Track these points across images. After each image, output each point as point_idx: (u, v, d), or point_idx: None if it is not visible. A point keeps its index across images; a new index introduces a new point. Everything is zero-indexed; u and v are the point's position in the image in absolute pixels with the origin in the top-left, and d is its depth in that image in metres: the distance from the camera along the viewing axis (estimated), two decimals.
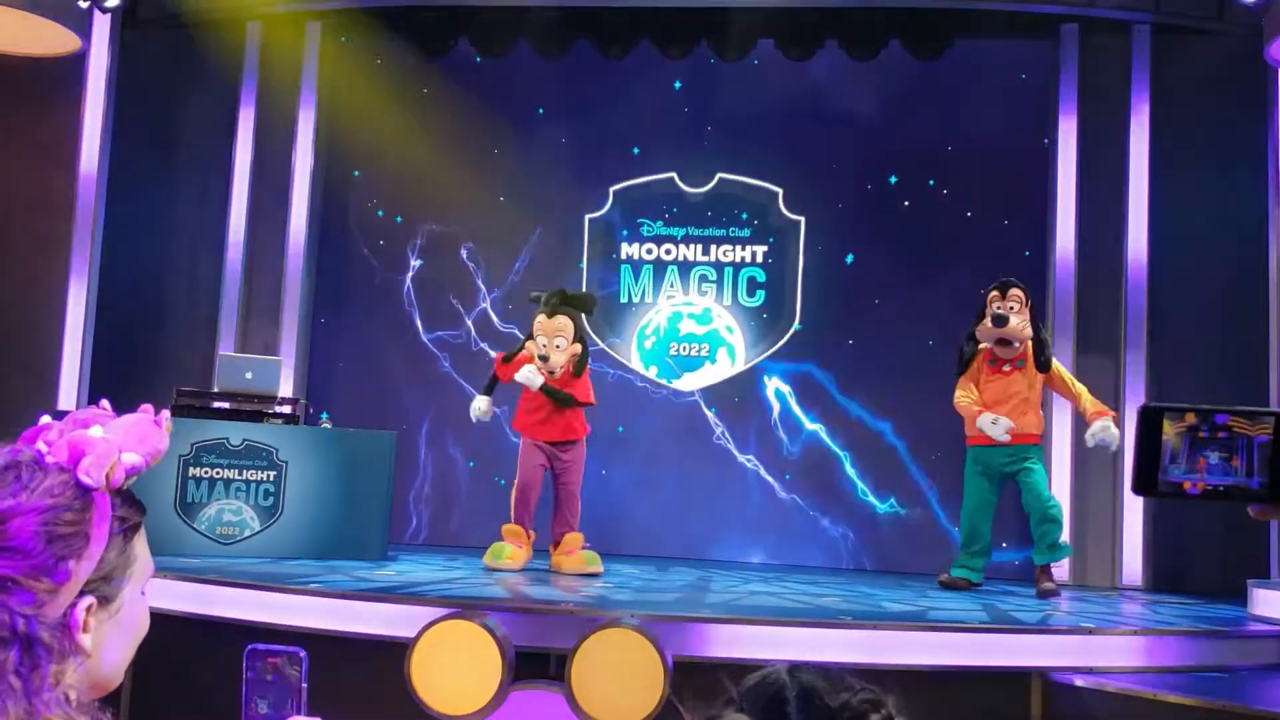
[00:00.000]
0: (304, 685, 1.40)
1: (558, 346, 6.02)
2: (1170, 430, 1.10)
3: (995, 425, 5.79)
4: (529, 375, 6.01)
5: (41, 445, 1.09)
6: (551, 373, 6.03)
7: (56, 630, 1.03)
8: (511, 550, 5.95)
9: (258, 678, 1.39)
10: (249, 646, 1.39)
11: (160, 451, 1.14)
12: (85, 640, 1.06)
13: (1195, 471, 1.10)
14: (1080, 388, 6.01)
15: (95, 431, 1.10)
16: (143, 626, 1.17)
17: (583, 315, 6.31)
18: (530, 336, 6.17)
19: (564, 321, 6.07)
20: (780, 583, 6.05)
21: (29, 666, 0.99)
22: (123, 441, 1.11)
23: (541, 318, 6.10)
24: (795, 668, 1.10)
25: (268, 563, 5.60)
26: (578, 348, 6.13)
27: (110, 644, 1.11)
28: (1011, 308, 5.93)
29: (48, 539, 1.03)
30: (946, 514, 7.37)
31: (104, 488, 1.09)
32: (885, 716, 1.05)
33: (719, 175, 8.00)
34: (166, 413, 1.18)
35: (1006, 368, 6.05)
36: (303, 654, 1.40)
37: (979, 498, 6.03)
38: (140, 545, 1.15)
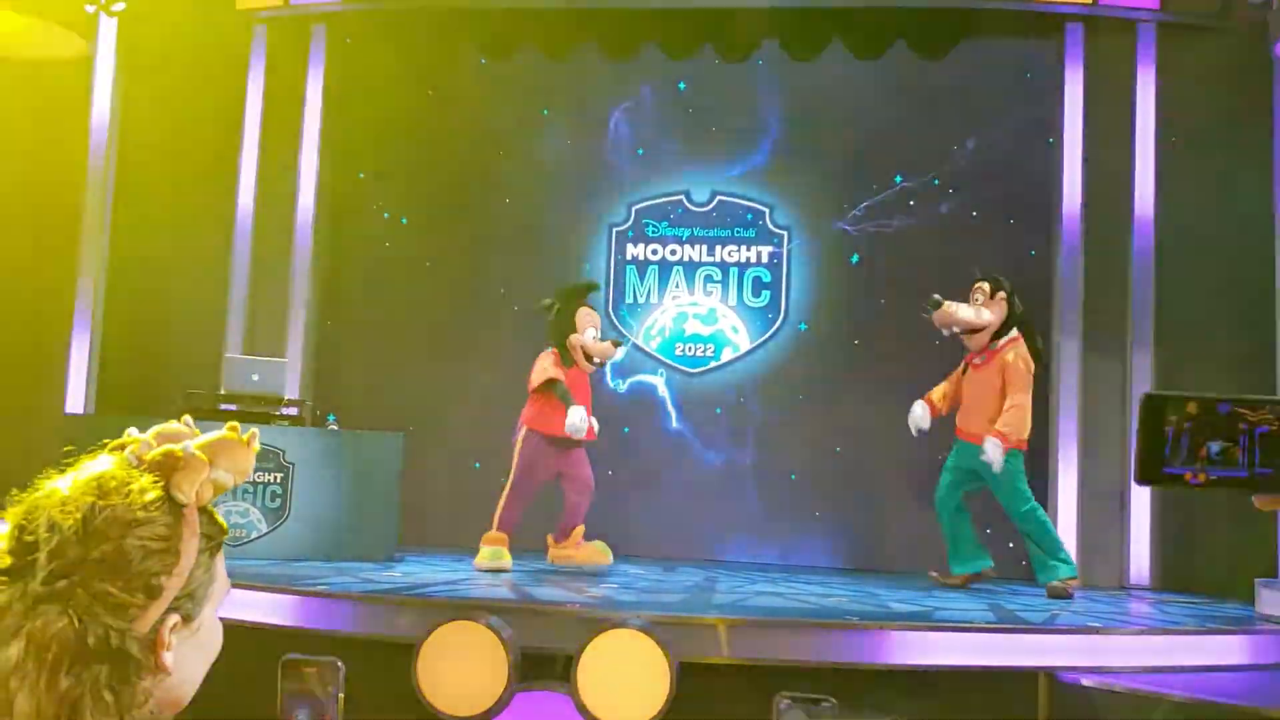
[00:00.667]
0: (339, 695, 1.41)
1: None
2: (1173, 420, 1.09)
3: (911, 416, 6.13)
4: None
5: (131, 457, 1.09)
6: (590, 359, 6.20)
7: (146, 647, 1.04)
8: (500, 551, 6.01)
9: (295, 687, 1.40)
10: (285, 657, 1.40)
11: (247, 471, 1.15)
12: (169, 658, 1.06)
13: (1198, 461, 1.10)
14: (1014, 399, 5.86)
15: (187, 448, 1.10)
16: (217, 646, 1.16)
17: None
18: (563, 337, 6.16)
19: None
20: (787, 583, 6.05)
21: (121, 681, 1.00)
22: (213, 459, 1.12)
23: (585, 311, 6.18)
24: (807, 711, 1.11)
25: (275, 564, 5.62)
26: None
27: (189, 663, 1.11)
28: (976, 299, 6.03)
29: (144, 554, 1.03)
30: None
31: (194, 504, 1.09)
32: None
33: (725, 182, 8.00)
34: (255, 431, 1.18)
35: (978, 361, 6.06)
36: (339, 664, 1.41)
37: (942, 490, 6.17)
38: (221, 564, 1.15)
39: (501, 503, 6.12)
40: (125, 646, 1.01)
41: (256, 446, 1.17)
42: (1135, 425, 1.11)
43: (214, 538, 1.13)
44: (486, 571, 5.90)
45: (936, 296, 6.01)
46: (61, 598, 0.99)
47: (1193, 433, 1.09)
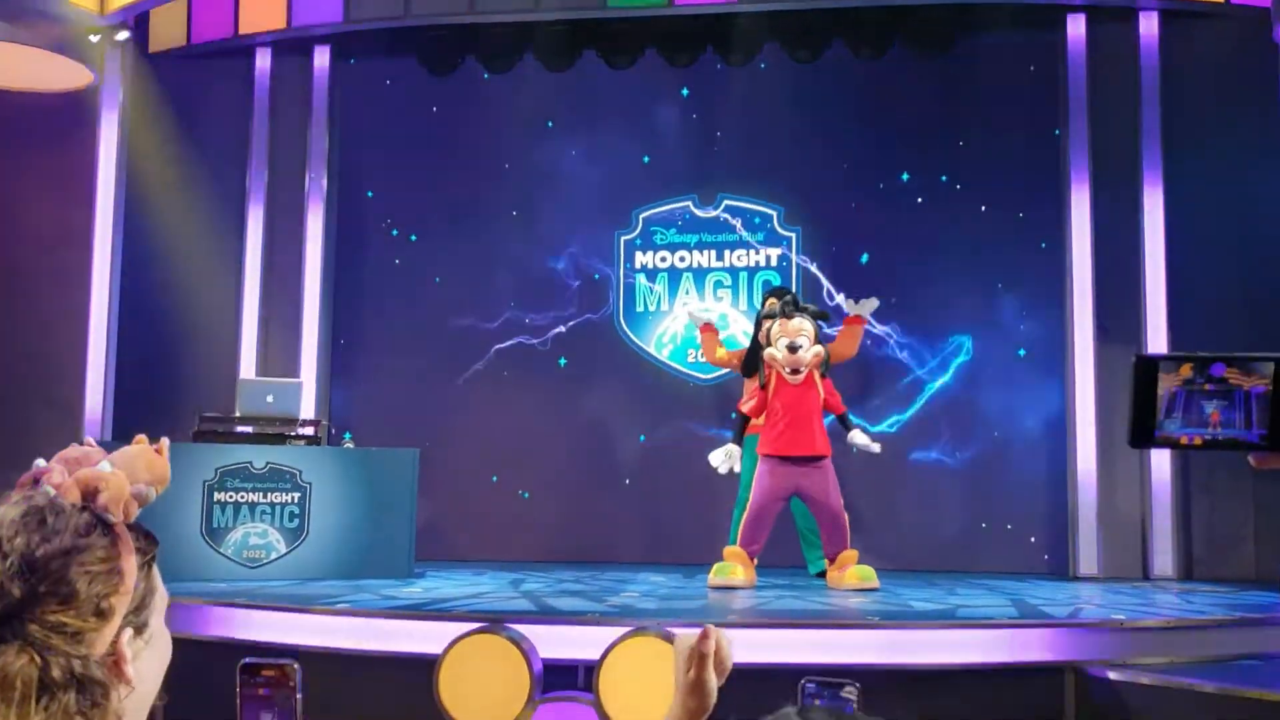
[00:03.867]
0: (299, 695, 1.42)
1: (802, 345, 5.79)
2: (1166, 381, 1.07)
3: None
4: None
5: (49, 488, 1.09)
6: (797, 370, 5.79)
7: (107, 667, 1.04)
8: (735, 568, 5.76)
9: (255, 692, 1.41)
10: (243, 661, 1.41)
11: (166, 479, 1.16)
12: (130, 670, 1.07)
13: (1192, 424, 1.07)
14: None
15: (105, 467, 1.11)
16: (168, 652, 1.19)
17: (816, 322, 6.02)
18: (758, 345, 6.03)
19: (803, 323, 5.87)
20: (807, 585, 6.02)
21: (91, 705, 1.01)
22: (131, 474, 1.12)
23: (778, 323, 5.89)
24: (805, 709, 1.08)
25: (295, 584, 5.62)
26: (821, 349, 5.91)
27: (147, 673, 1.13)
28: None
29: (89, 580, 1.04)
30: (974, 508, 7.36)
31: (123, 522, 1.10)
32: None
33: (732, 187, 8.00)
34: (165, 441, 1.19)
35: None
36: (296, 665, 1.42)
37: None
38: (157, 575, 1.17)
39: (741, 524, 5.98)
40: (88, 671, 1.01)
41: (167, 453, 1.18)
42: (1130, 387, 1.09)
43: (148, 551, 1.14)
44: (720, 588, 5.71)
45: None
46: (17, 635, 0.99)
47: (1186, 394, 1.07)
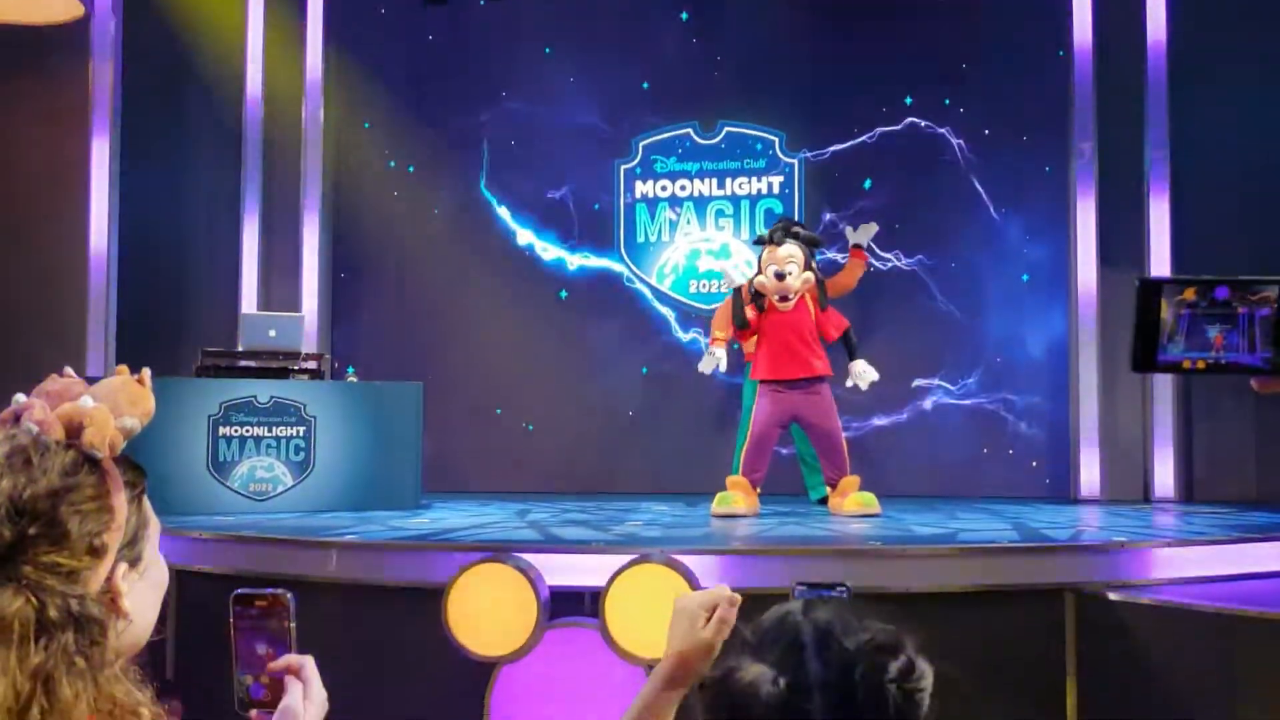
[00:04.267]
0: (293, 624, 1.41)
1: (789, 273, 5.67)
2: (1169, 305, 1.06)
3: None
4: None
5: (31, 425, 1.07)
6: (785, 298, 5.69)
7: (103, 603, 1.04)
8: (737, 497, 5.72)
9: (250, 623, 1.41)
10: (235, 592, 1.41)
11: (150, 411, 1.15)
12: (127, 605, 1.08)
13: (1195, 347, 1.07)
14: None
15: (87, 401, 1.09)
16: (165, 581, 1.19)
17: (808, 248, 5.89)
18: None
19: (793, 250, 5.72)
20: (810, 511, 6.07)
21: (90, 644, 1.00)
22: (114, 407, 1.11)
23: (767, 250, 5.79)
24: (810, 604, 1.09)
25: (303, 516, 5.67)
26: (811, 275, 5.77)
27: (144, 604, 1.13)
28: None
29: (80, 519, 1.03)
30: (976, 433, 7.38)
31: (109, 456, 1.09)
32: (905, 664, 1.04)
33: (731, 115, 7.90)
34: (147, 371, 1.18)
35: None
36: (290, 594, 1.42)
37: None
38: (148, 506, 1.16)
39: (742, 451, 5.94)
40: (85, 610, 1.01)
41: (149, 383, 1.16)
42: (1134, 310, 1.08)
43: (137, 484, 1.13)
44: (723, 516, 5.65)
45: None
46: (11, 578, 0.99)
47: (1190, 318, 1.06)
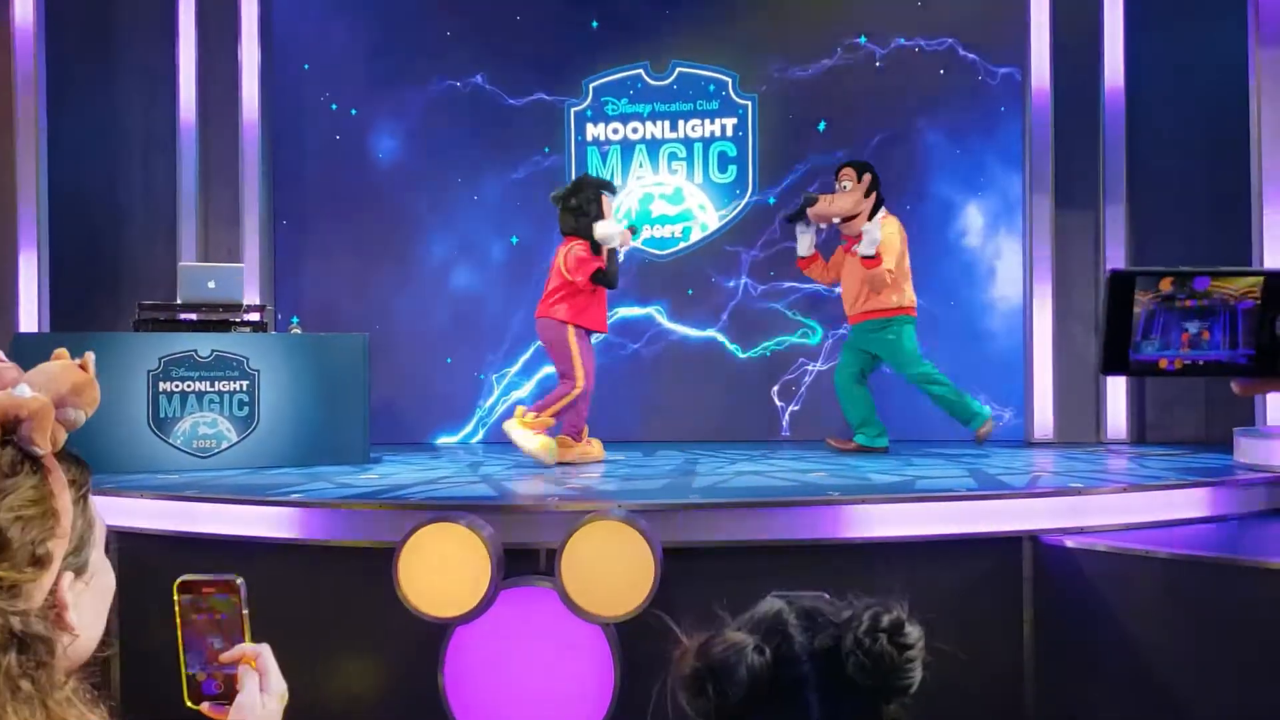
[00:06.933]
0: (246, 611, 1.31)
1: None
2: (1143, 299, 0.95)
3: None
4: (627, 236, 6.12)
5: None
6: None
7: (49, 619, 0.93)
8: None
9: (198, 613, 1.30)
10: (181, 579, 1.30)
11: (96, 400, 1.01)
12: (73, 618, 0.97)
13: (1171, 346, 0.96)
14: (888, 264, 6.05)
15: (23, 390, 0.96)
16: (111, 586, 1.07)
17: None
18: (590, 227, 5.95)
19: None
20: (766, 460, 6.03)
21: (36, 665, 0.89)
22: (54, 395, 0.98)
23: (608, 200, 6.04)
24: (790, 599, 1.04)
25: (248, 473, 5.54)
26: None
27: (90, 615, 1.02)
28: (844, 187, 6.18)
29: (21, 525, 0.91)
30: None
31: (52, 453, 0.96)
32: (895, 619, 0.99)
33: (683, 55, 7.72)
34: (90, 355, 1.04)
35: (857, 248, 6.13)
36: (240, 580, 1.31)
37: (844, 370, 6.36)
38: (93, 506, 1.04)
39: (563, 404, 5.90)
40: (29, 628, 0.89)
41: (93, 370, 1.03)
42: (1102, 306, 0.96)
43: (82, 482, 1.01)
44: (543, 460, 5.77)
45: (810, 193, 6.31)
46: None
47: (1166, 312, 0.95)
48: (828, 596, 1.24)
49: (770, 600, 1.05)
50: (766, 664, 0.97)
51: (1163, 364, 0.96)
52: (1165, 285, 0.94)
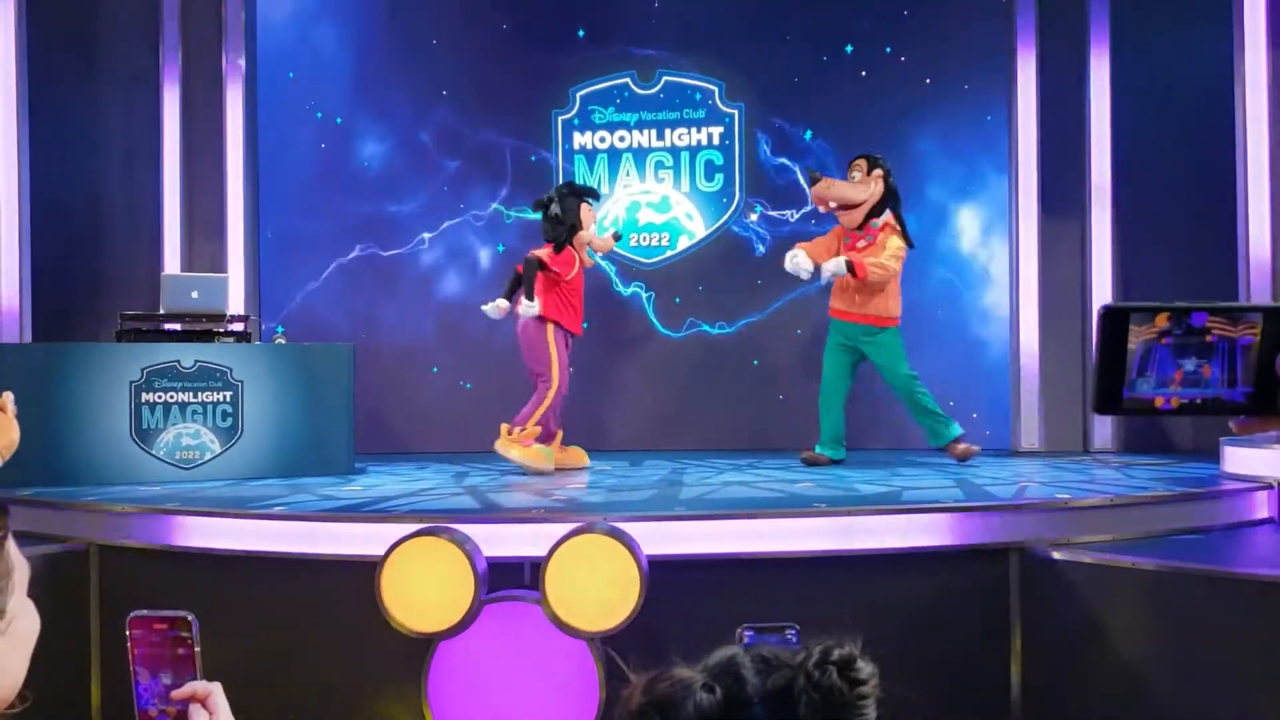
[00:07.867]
0: (198, 649, 1.29)
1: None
2: (1138, 335, 0.92)
3: (793, 259, 6.11)
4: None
5: None
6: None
7: None
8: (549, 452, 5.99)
9: (149, 648, 1.28)
10: (132, 615, 1.27)
11: (15, 442, 0.98)
12: None
13: (1168, 383, 0.92)
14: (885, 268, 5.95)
15: None
16: (35, 628, 1.03)
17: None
18: (571, 233, 6.04)
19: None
20: (753, 470, 6.01)
21: None
22: None
23: (587, 208, 6.14)
24: (751, 647, 1.03)
25: (232, 485, 5.49)
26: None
27: (10, 663, 0.98)
28: (853, 177, 6.12)
29: None
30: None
31: None
32: (847, 654, 0.98)
33: (669, 66, 7.70)
34: (9, 395, 1.01)
35: (862, 244, 6.07)
36: (191, 617, 1.29)
37: (830, 371, 6.22)
38: (12, 548, 1.00)
39: (544, 408, 5.93)
40: None
41: (12, 410, 0.99)
42: (1094, 342, 0.92)
43: (1, 525, 0.98)
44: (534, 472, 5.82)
45: (814, 171, 6.33)
46: None
47: (1161, 349, 0.91)
48: (797, 629, 1.23)
49: (727, 647, 1.04)
50: (716, 703, 0.95)
51: (1159, 402, 0.92)
52: (1161, 320, 0.91)
